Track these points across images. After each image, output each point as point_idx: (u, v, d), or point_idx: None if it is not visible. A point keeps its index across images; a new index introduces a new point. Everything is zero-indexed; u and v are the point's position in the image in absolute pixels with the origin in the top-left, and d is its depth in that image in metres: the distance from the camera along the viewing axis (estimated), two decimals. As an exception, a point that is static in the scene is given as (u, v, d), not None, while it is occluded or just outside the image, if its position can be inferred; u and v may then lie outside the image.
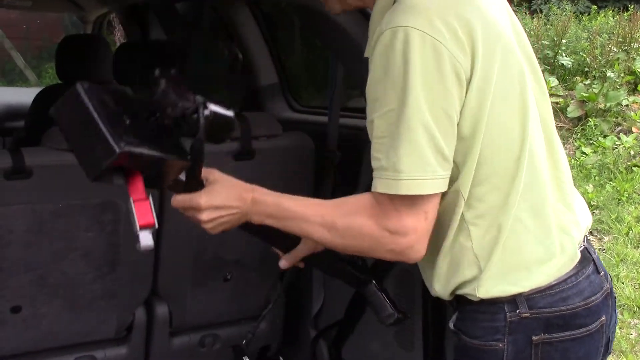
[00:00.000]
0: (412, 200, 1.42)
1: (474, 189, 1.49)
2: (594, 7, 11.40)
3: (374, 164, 1.46)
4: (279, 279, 2.69)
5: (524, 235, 1.53)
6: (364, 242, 1.49)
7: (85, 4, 4.58)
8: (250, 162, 2.43)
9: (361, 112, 2.69)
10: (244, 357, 2.68)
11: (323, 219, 1.52)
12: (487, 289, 1.51)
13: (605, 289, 1.64)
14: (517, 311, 1.51)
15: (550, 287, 1.53)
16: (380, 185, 1.43)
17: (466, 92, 1.42)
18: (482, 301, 1.52)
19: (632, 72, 8.51)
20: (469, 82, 1.42)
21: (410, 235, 1.43)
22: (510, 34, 1.56)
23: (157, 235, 2.39)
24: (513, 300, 1.51)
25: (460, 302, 1.58)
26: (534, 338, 1.52)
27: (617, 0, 11.81)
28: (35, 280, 2.26)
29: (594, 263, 1.64)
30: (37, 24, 11.69)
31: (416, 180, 1.39)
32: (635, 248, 5.45)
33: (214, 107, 1.47)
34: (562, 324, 1.54)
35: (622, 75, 8.36)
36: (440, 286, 1.58)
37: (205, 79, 4.45)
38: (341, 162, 2.57)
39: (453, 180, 1.48)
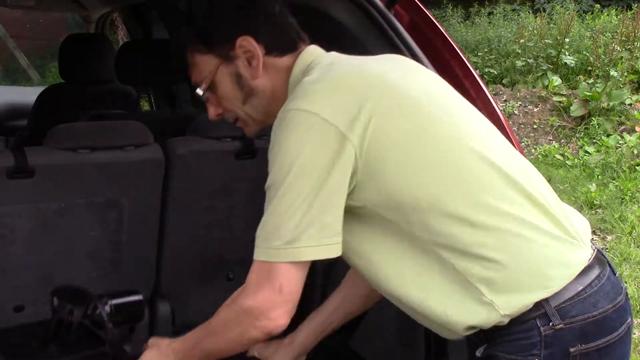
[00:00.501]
0: (268, 274, 1.48)
1: (434, 227, 1.50)
2: (597, 5, 11.40)
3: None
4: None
5: (522, 243, 1.51)
6: (233, 331, 1.57)
7: (88, 3, 4.58)
8: (252, 161, 2.44)
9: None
10: (247, 353, 2.68)
11: (207, 328, 1.64)
12: (507, 305, 1.50)
13: (625, 289, 1.63)
14: (550, 324, 1.50)
15: (577, 294, 1.52)
16: (258, 253, 1.49)
17: (360, 159, 1.46)
18: (512, 321, 1.51)
19: (636, 71, 8.51)
20: (361, 149, 1.46)
21: (260, 307, 1.50)
22: (420, 94, 1.58)
23: (160, 235, 2.40)
24: (544, 315, 1.50)
25: (487, 332, 1.54)
26: (572, 350, 1.50)
27: (620, -1, 11.82)
28: (39, 279, 2.26)
29: (609, 264, 1.63)
30: (40, 23, 11.70)
31: (295, 249, 1.45)
32: (638, 247, 5.43)
33: (115, 301, 1.68)
34: (595, 332, 1.53)
35: (625, 74, 8.36)
36: (454, 328, 1.56)
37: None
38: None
39: (403, 231, 1.51)
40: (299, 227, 1.44)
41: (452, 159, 1.51)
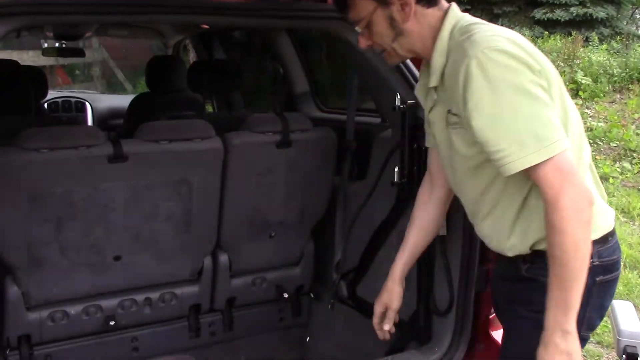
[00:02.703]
0: (561, 176, 1.38)
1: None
2: (546, 32, 11.31)
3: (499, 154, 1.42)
4: (310, 237, 2.68)
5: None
6: (576, 224, 1.39)
7: (166, 33, 4.58)
8: (289, 150, 2.41)
9: (371, 112, 2.66)
10: (284, 294, 2.67)
11: (556, 248, 1.42)
12: None
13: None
14: (591, 261, 1.44)
15: (609, 242, 1.57)
16: (533, 158, 1.38)
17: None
18: None
19: (575, 81, 8.43)
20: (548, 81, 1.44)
21: (577, 199, 1.38)
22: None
23: (220, 204, 2.38)
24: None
25: (536, 255, 1.53)
26: (597, 279, 1.53)
27: (563, 27, 11.66)
28: (131, 236, 2.26)
29: None
30: (132, 48, 11.71)
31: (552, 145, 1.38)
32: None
33: None
34: (611, 269, 1.58)
35: (567, 84, 8.29)
36: (518, 241, 1.55)
37: (254, 88, 4.43)
38: (356, 149, 2.55)
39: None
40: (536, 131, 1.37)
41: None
